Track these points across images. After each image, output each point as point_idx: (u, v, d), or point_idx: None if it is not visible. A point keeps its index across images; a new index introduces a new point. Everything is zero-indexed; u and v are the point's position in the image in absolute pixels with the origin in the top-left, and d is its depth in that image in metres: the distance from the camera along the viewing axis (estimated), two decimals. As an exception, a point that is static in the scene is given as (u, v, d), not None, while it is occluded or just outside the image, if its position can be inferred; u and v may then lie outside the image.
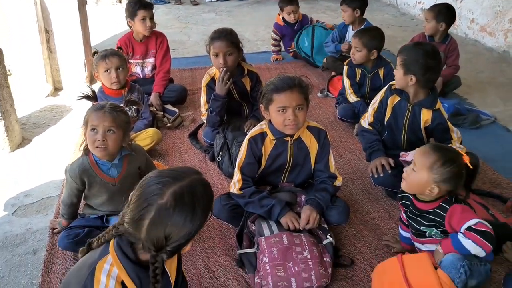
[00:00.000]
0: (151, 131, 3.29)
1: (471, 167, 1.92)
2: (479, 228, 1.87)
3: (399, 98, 2.74)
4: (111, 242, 1.45)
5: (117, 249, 1.42)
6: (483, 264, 1.94)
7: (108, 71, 3.13)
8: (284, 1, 4.90)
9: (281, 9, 4.92)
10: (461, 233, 1.90)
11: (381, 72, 3.63)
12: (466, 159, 1.91)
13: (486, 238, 1.85)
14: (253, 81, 3.28)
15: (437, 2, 4.35)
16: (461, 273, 1.88)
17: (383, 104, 2.80)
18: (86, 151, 2.24)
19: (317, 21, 5.05)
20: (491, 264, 2.04)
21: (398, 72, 2.64)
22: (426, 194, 1.99)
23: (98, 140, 2.13)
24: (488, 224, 1.89)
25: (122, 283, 1.39)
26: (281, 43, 5.19)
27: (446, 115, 2.67)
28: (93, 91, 2.23)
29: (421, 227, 2.07)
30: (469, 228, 1.89)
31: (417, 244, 2.16)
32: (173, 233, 1.35)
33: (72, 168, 2.24)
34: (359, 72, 3.69)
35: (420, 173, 1.97)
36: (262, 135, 2.41)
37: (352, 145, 3.41)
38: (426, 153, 1.97)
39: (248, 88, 3.28)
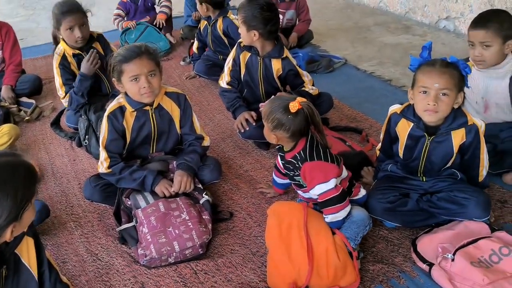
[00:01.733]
0: (6, 127, 3.06)
1: (299, 107, 1.96)
2: (324, 199, 1.98)
3: (249, 54, 2.84)
4: None
5: None
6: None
7: None
8: None
9: None
10: (324, 215, 2.01)
11: (219, 23, 3.78)
12: (294, 104, 1.96)
13: (333, 203, 1.97)
14: (101, 43, 3.22)
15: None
16: (366, 230, 2.05)
17: (236, 62, 2.89)
18: None
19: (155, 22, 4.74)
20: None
21: (242, 30, 2.74)
22: (274, 142, 2.09)
23: None
24: (328, 188, 1.96)
25: None
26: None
27: (294, 61, 2.83)
28: None
29: (293, 176, 2.16)
30: (320, 204, 2.01)
31: (299, 192, 2.24)
32: None
33: None
34: (204, 23, 3.92)
35: (264, 124, 2.08)
36: (121, 108, 2.37)
37: (220, 106, 3.48)
38: (265, 105, 2.10)
39: (103, 53, 3.20)
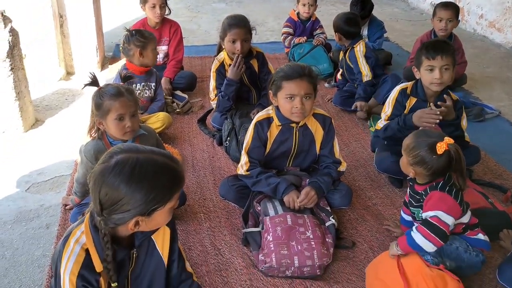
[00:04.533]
0: (162, 114, 3.37)
1: (446, 149, 1.92)
2: (432, 223, 1.92)
3: (416, 99, 2.75)
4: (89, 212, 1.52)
5: (90, 219, 1.48)
6: (471, 252, 2.05)
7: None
8: None
9: (298, 0, 4.90)
10: (414, 228, 1.96)
11: (347, 54, 3.88)
12: (442, 145, 1.92)
13: (435, 232, 1.90)
14: (259, 61, 3.38)
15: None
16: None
17: (398, 104, 2.79)
18: (100, 135, 2.32)
19: (325, 38, 4.82)
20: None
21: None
22: (411, 175, 2.07)
23: (128, 126, 2.23)
24: (445, 220, 1.92)
25: (87, 251, 1.45)
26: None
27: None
28: (94, 76, 2.28)
29: (411, 208, 2.14)
30: (424, 222, 1.95)
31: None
32: (107, 196, 1.38)
33: (87, 149, 2.31)
34: (341, 53, 4.03)
35: (403, 155, 2.07)
36: (269, 120, 2.48)
37: (357, 134, 3.48)
38: (408, 137, 2.07)
39: (257, 69, 3.38)
